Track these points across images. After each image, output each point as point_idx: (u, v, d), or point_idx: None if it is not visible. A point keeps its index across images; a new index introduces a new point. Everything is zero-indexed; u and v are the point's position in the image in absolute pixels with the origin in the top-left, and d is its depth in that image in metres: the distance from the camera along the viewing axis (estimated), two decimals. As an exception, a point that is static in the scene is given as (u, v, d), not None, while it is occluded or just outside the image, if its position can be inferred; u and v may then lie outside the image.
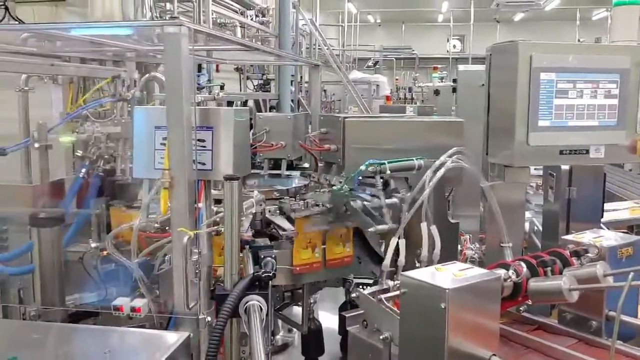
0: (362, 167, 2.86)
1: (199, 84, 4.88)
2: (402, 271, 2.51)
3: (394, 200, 2.85)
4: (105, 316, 2.82)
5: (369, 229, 2.94)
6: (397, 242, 2.50)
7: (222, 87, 6.17)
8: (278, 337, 4.38)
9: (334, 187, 3.20)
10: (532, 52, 2.50)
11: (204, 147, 2.40)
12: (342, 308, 3.83)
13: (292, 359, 4.11)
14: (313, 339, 3.49)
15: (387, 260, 2.46)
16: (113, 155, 3.31)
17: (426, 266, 2.64)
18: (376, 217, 2.96)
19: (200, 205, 2.39)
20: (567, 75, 2.56)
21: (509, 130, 2.57)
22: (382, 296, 2.24)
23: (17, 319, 3.14)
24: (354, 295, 2.29)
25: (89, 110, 3.31)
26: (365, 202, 3.07)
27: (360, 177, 3.01)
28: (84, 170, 3.22)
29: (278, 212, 3.29)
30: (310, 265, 3.12)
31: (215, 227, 2.37)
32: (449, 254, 2.95)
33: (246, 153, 2.68)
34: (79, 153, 3.34)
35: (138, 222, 2.47)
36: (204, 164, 2.40)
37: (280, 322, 4.34)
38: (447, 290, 1.79)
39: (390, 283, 2.39)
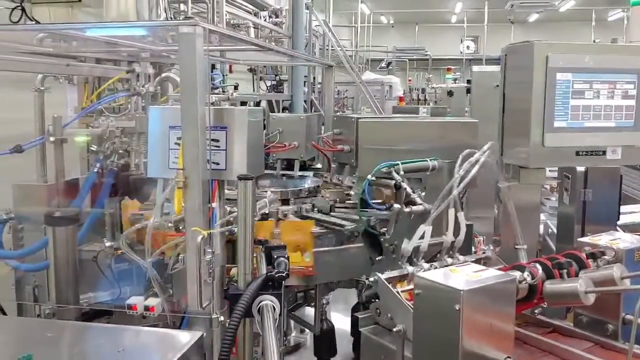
0: (370, 177, 2.86)
1: (213, 84, 4.88)
2: (424, 256, 2.52)
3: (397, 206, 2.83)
4: (119, 315, 2.83)
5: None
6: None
7: (236, 87, 6.18)
8: (290, 337, 4.39)
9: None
10: (548, 52, 2.47)
11: (218, 147, 2.40)
12: (355, 309, 3.82)
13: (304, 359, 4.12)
14: (325, 339, 3.49)
15: (410, 245, 2.45)
16: (127, 149, 3.33)
17: (447, 251, 2.65)
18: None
19: (214, 205, 2.40)
20: (584, 75, 2.52)
21: (524, 131, 2.54)
22: (399, 289, 2.24)
23: (32, 316, 3.17)
24: (371, 279, 2.27)
25: (104, 105, 3.34)
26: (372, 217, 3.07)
27: (369, 185, 3.01)
28: (98, 164, 3.25)
29: (292, 212, 3.30)
30: (300, 270, 3.09)
31: (229, 227, 2.37)
32: (463, 253, 2.93)
33: (260, 153, 2.68)
34: (94, 148, 3.37)
35: (152, 222, 2.47)
36: (217, 163, 2.41)
37: (292, 322, 4.34)
38: (461, 292, 1.77)
39: (410, 268, 2.38)
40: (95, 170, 3.28)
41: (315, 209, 3.43)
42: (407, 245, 2.46)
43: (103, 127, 3.16)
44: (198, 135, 2.24)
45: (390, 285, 2.24)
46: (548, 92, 2.49)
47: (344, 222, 3.14)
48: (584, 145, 2.58)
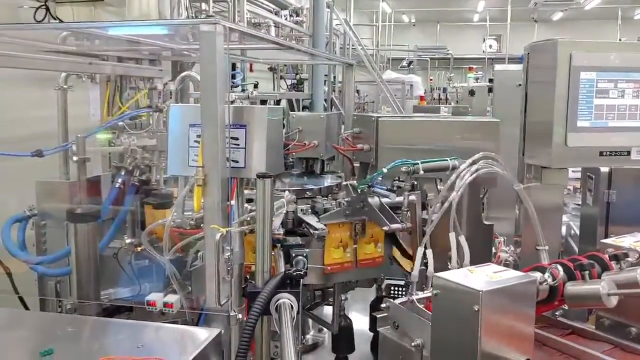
0: (384, 169, 2.83)
1: (233, 82, 4.90)
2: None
3: (413, 197, 2.80)
4: (139, 311, 2.86)
5: (383, 227, 2.91)
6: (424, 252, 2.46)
7: (255, 86, 6.20)
8: (308, 336, 4.39)
9: (353, 182, 3.19)
10: (572, 51, 2.44)
11: (237, 145, 2.41)
12: (373, 305, 3.81)
13: (322, 359, 4.11)
14: (343, 335, 3.47)
15: (416, 271, 2.43)
16: (148, 165, 3.36)
17: None
18: (393, 216, 2.94)
19: (233, 202, 2.41)
20: (608, 74, 2.49)
21: (546, 131, 2.51)
22: (414, 297, 2.22)
23: (54, 311, 3.22)
24: (383, 305, 2.26)
25: (126, 122, 3.37)
26: (384, 200, 3.05)
27: (381, 177, 2.99)
28: (120, 180, 3.28)
29: (310, 211, 3.29)
30: (342, 265, 3.11)
31: (249, 227, 2.37)
32: (483, 256, 2.90)
33: (279, 151, 2.69)
34: (115, 163, 3.40)
35: (170, 219, 2.49)
36: (237, 161, 2.42)
37: (310, 321, 4.34)
38: (480, 293, 1.75)
39: (420, 293, 2.36)
40: (118, 186, 3.30)
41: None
42: (414, 272, 2.44)
43: (125, 145, 3.18)
44: (217, 133, 2.25)
45: (403, 306, 2.21)
46: (571, 91, 2.46)
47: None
48: (607, 145, 2.54)
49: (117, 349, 2.05)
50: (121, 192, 3.28)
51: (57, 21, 4.68)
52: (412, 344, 2.08)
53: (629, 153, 2.56)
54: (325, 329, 4.29)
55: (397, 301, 2.27)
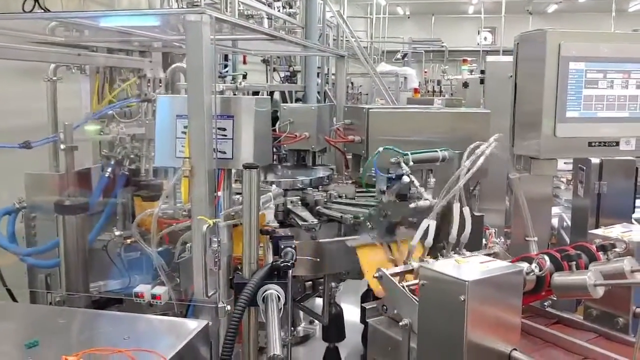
0: (375, 158, 2.81)
1: (221, 73, 4.88)
2: (429, 253, 2.50)
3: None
4: (129, 303, 2.85)
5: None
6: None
7: (244, 77, 6.17)
8: (299, 328, 4.39)
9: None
10: (561, 41, 2.42)
11: (225, 135, 2.40)
12: (364, 297, 3.80)
13: (313, 350, 4.11)
14: (334, 323, 3.47)
15: (415, 241, 2.43)
16: (138, 155, 3.35)
17: (454, 247, 2.63)
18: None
19: (220, 193, 2.39)
20: (597, 64, 2.47)
21: (535, 121, 2.50)
22: (405, 283, 2.21)
23: (43, 304, 3.21)
24: (376, 274, 2.25)
25: (115, 110, 3.35)
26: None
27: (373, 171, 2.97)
28: (109, 169, 3.27)
29: (299, 203, 3.29)
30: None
31: (236, 220, 2.36)
32: (474, 247, 2.90)
33: (267, 142, 2.68)
34: (105, 152, 3.39)
35: (157, 210, 2.48)
36: (224, 152, 2.41)
37: (301, 313, 4.34)
38: (466, 283, 1.75)
39: (415, 264, 2.36)
40: (107, 175, 3.29)
41: (343, 195, 3.43)
42: (413, 241, 2.44)
43: (114, 133, 3.17)
44: (204, 123, 2.23)
45: (395, 280, 2.22)
46: (560, 82, 2.44)
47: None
48: (596, 136, 2.53)
49: (104, 340, 2.04)
50: (111, 182, 3.27)
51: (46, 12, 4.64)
52: (401, 323, 2.08)
53: (617, 144, 2.55)
54: (316, 321, 4.29)
55: (390, 271, 2.26)
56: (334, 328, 3.52)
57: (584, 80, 2.47)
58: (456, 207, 2.47)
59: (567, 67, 2.44)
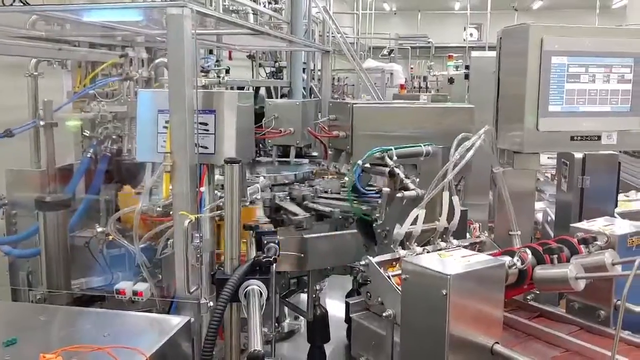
0: (360, 162, 2.82)
1: (203, 67, 4.85)
2: (417, 240, 2.49)
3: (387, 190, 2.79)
4: (113, 300, 2.82)
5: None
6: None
7: (227, 71, 6.13)
8: (284, 324, 4.37)
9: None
10: (543, 35, 2.43)
11: (207, 130, 2.37)
12: (349, 296, 3.80)
13: (298, 346, 4.10)
14: (318, 325, 3.46)
15: (403, 229, 2.42)
16: (120, 135, 3.31)
17: (441, 235, 2.63)
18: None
19: (203, 189, 2.37)
20: (579, 59, 2.48)
21: (518, 116, 2.50)
22: (390, 273, 2.21)
23: (25, 302, 3.17)
24: (362, 262, 2.24)
25: (97, 90, 3.31)
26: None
27: (361, 172, 2.98)
28: (91, 150, 3.23)
29: (288, 197, 3.27)
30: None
31: (214, 213, 2.35)
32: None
33: (250, 137, 2.66)
34: (87, 133, 3.34)
35: (140, 206, 2.45)
36: (206, 147, 2.38)
37: (286, 309, 4.32)
38: (448, 277, 1.75)
39: (402, 252, 2.35)
40: (89, 155, 3.26)
41: (328, 190, 3.43)
42: (400, 230, 2.43)
43: (95, 111, 3.13)
44: (186, 118, 2.21)
45: (381, 269, 2.21)
46: (543, 76, 2.45)
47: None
48: (578, 130, 2.54)
49: (84, 337, 2.02)
50: (93, 163, 3.23)
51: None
52: (384, 313, 2.07)
53: (599, 138, 2.56)
54: (302, 317, 4.28)
55: (376, 260, 2.25)
56: (319, 330, 3.51)
57: (566, 74, 2.48)
58: (445, 195, 2.46)
59: (549, 62, 2.44)
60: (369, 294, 2.22)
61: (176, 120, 2.22)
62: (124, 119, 3.29)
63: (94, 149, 3.27)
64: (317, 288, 3.47)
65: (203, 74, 4.60)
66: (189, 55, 2.20)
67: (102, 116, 3.13)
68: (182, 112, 2.21)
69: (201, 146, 2.34)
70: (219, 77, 4.13)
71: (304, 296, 3.91)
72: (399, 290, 2.05)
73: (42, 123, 2.94)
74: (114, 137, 3.31)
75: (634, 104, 2.57)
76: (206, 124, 2.37)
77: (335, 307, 4.11)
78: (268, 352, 2.86)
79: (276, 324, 4.06)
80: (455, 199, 2.48)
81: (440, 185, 2.44)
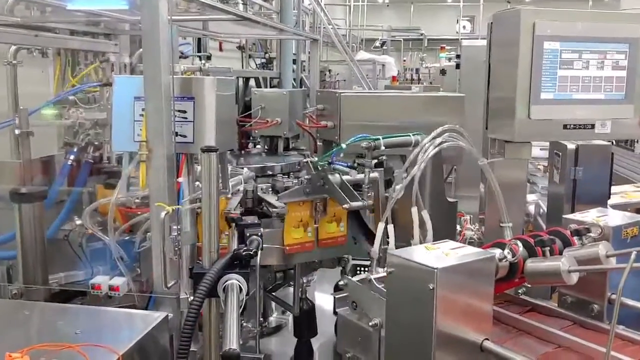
0: (344, 145, 2.74)
1: (182, 53, 4.74)
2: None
3: (375, 175, 2.71)
4: (94, 296, 2.73)
5: (344, 205, 2.82)
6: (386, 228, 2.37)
7: (209, 58, 6.00)
8: (271, 318, 4.30)
9: (313, 160, 3.09)
10: (535, 20, 2.34)
11: (185, 118, 2.27)
12: (337, 288, 3.72)
13: (285, 341, 4.02)
14: (305, 319, 3.38)
15: (376, 247, 2.34)
16: (101, 142, 3.23)
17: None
18: (354, 194, 2.85)
19: (181, 179, 2.28)
20: (573, 44, 2.39)
21: (509, 104, 2.42)
22: (373, 276, 2.14)
23: (4, 297, 3.06)
24: (341, 282, 2.18)
25: (77, 95, 3.21)
26: (345, 177, 2.95)
27: (342, 154, 2.89)
28: (72, 157, 3.14)
29: (270, 189, 3.18)
30: (302, 245, 3.01)
31: (194, 205, 2.25)
32: (447, 234, 2.82)
33: (231, 126, 2.57)
34: (67, 139, 3.26)
35: (115, 198, 2.35)
36: (185, 136, 2.28)
37: (273, 303, 4.24)
38: (435, 270, 1.66)
39: (381, 270, 2.28)
40: (70, 162, 3.16)
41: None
42: (374, 248, 2.35)
43: (73, 118, 3.04)
44: (162, 105, 2.12)
45: (361, 284, 2.13)
46: (535, 62, 2.36)
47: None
48: (571, 118, 2.45)
49: (55, 335, 1.93)
50: (74, 170, 3.15)
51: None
52: (370, 323, 2.00)
53: (593, 126, 2.48)
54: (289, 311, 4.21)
55: (356, 278, 2.18)
56: (305, 324, 3.42)
57: (559, 60, 2.39)
58: (414, 211, 2.36)
59: (541, 47, 2.36)
60: (354, 304, 2.14)
61: (152, 107, 2.13)
62: (106, 125, 3.20)
63: (75, 155, 3.18)
64: (304, 282, 3.38)
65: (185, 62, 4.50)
66: (164, 40, 2.10)
67: (79, 124, 3.03)
68: (158, 99, 2.11)
69: (180, 135, 2.25)
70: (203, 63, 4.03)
71: (291, 290, 3.84)
72: (384, 299, 1.96)
73: (17, 132, 2.84)
74: (96, 143, 3.22)
75: (628, 91, 2.49)
76: (185, 112, 2.27)
77: (324, 300, 4.03)
78: (252, 348, 2.77)
79: (262, 319, 3.99)
80: (425, 213, 2.38)
81: (394, 199, 2.31)
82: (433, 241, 2.45)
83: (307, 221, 3.00)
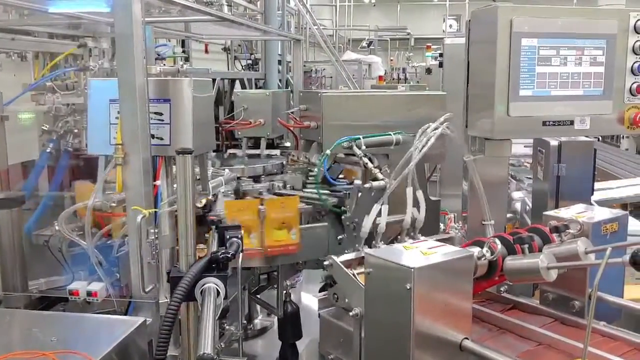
0: (328, 152, 2.73)
1: (159, 54, 4.71)
2: (385, 237, 2.41)
3: (358, 182, 2.71)
4: (74, 302, 2.69)
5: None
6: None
7: (187, 59, 5.97)
8: (256, 321, 4.26)
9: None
10: (513, 16, 2.33)
11: (162, 120, 2.25)
12: (323, 289, 3.70)
13: (270, 344, 3.99)
14: (289, 322, 3.36)
15: (367, 227, 2.32)
16: (81, 129, 3.18)
17: (408, 232, 2.54)
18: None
19: (158, 182, 2.25)
20: (550, 41, 2.38)
21: (488, 101, 2.40)
22: (355, 271, 2.12)
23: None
24: (326, 262, 2.16)
25: (55, 82, 3.17)
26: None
27: (332, 163, 2.88)
28: (51, 145, 3.10)
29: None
30: (285, 247, 2.98)
31: (172, 208, 2.22)
32: (430, 232, 2.82)
33: (209, 128, 2.54)
34: (46, 127, 3.21)
35: (92, 201, 2.32)
36: (161, 139, 2.26)
37: (258, 306, 4.22)
38: (412, 270, 1.65)
39: (368, 250, 2.26)
40: (48, 151, 3.12)
41: (288, 186, 3.31)
42: (364, 226, 2.34)
43: (49, 103, 2.99)
44: (137, 107, 2.09)
45: (346, 269, 2.12)
46: (513, 59, 2.35)
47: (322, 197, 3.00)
48: (551, 114, 2.44)
49: (29, 343, 1.89)
50: (53, 160, 3.10)
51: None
52: (351, 313, 1.99)
53: (572, 123, 2.47)
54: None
55: (342, 259, 2.16)
56: (290, 327, 3.40)
57: (537, 57, 2.38)
58: (409, 190, 2.38)
59: (519, 44, 2.35)
60: (335, 296, 2.13)
61: (126, 109, 2.10)
62: (84, 111, 3.15)
63: (54, 144, 3.13)
64: (288, 284, 3.36)
65: (162, 63, 4.46)
66: (138, 41, 2.07)
67: (56, 108, 2.98)
68: (132, 101, 2.09)
69: (156, 137, 2.22)
70: (183, 64, 4.01)
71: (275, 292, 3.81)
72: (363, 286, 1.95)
73: None
74: (75, 131, 3.17)
75: (606, 87, 2.48)
76: (161, 114, 2.25)
77: (311, 302, 4.00)
78: (236, 350, 2.75)
79: (246, 322, 3.96)
80: (420, 192, 2.39)
81: (401, 177, 2.34)
82: (419, 238, 2.47)
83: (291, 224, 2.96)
